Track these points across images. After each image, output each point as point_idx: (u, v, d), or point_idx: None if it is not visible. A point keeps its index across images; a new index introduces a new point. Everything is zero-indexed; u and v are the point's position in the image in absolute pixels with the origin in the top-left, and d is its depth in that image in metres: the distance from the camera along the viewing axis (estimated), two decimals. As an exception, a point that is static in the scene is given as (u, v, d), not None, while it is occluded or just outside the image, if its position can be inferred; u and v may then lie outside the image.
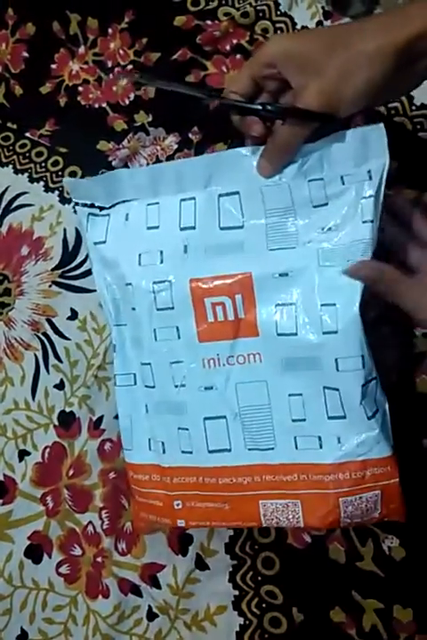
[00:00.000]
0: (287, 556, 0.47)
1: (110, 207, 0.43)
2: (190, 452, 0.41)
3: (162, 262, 0.40)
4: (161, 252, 0.40)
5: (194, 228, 0.40)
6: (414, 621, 0.43)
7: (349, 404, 0.37)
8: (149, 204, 0.41)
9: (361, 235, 0.36)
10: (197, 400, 0.40)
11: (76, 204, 0.44)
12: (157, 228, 0.41)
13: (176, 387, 0.40)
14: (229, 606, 0.47)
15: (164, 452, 0.42)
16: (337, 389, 0.37)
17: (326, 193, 0.37)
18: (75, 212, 0.58)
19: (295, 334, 0.37)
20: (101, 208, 0.43)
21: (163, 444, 0.42)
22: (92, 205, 0.44)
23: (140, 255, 0.41)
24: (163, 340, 0.40)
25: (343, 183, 0.37)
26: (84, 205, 0.44)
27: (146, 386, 0.42)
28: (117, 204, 0.43)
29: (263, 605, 0.46)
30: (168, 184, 0.40)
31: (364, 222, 0.36)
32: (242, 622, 0.47)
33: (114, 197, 0.43)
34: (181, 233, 0.40)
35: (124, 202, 0.42)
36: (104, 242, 0.43)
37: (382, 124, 0.36)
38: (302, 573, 0.46)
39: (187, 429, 0.40)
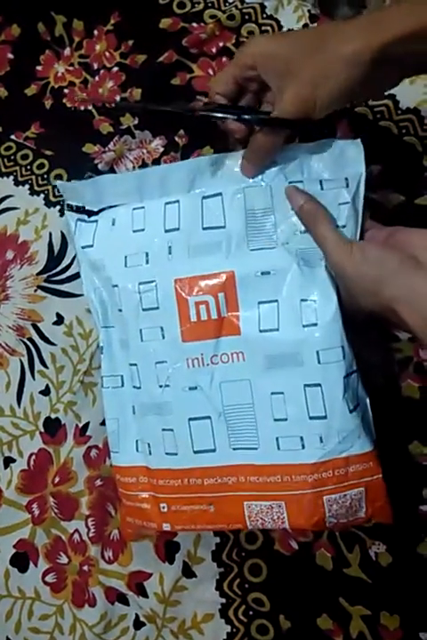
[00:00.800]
0: (274, 563, 0.46)
1: (98, 212, 0.44)
2: (175, 454, 0.40)
3: (147, 263, 0.41)
4: (146, 254, 0.41)
5: (178, 229, 0.40)
6: (401, 628, 0.43)
7: (330, 399, 0.37)
8: (134, 209, 0.42)
9: None
10: (181, 400, 0.40)
11: (69, 207, 0.45)
12: (142, 230, 0.42)
13: (161, 387, 0.40)
14: (216, 614, 0.47)
15: (150, 453, 0.42)
16: (319, 385, 0.37)
17: None
18: (61, 215, 0.57)
19: (277, 330, 0.38)
20: (90, 213, 0.44)
21: (149, 445, 0.42)
22: (82, 209, 0.44)
23: (126, 257, 0.41)
24: (148, 341, 0.41)
25: (322, 188, 0.38)
26: (76, 209, 0.45)
27: (133, 387, 0.42)
28: (104, 209, 0.43)
29: (250, 613, 0.46)
30: (153, 188, 0.41)
31: (338, 226, 0.37)
32: (229, 630, 0.46)
33: (101, 202, 0.43)
34: (166, 234, 0.41)
35: (110, 207, 0.43)
36: (91, 245, 0.44)
37: (359, 140, 0.38)
38: (289, 580, 0.46)
39: (172, 430, 0.40)
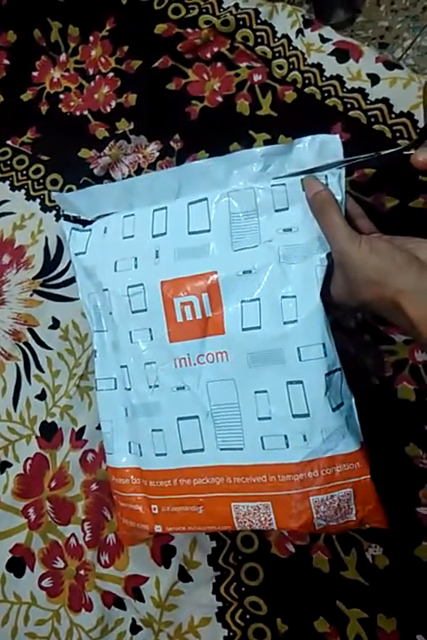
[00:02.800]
0: (271, 566, 0.46)
1: (92, 222, 0.45)
2: (165, 454, 0.41)
3: (136, 268, 0.42)
4: (135, 259, 0.42)
5: (165, 234, 0.41)
6: (398, 630, 0.43)
7: (313, 397, 0.37)
8: (125, 216, 0.43)
9: (318, 233, 0.37)
10: (170, 400, 0.40)
11: (66, 217, 0.46)
12: (132, 237, 0.43)
13: (150, 387, 0.41)
14: (213, 618, 0.47)
15: (141, 454, 0.42)
16: (301, 382, 0.37)
17: (288, 198, 0.39)
18: (57, 219, 0.57)
19: (259, 328, 0.38)
20: (85, 223, 0.46)
21: (139, 446, 0.42)
22: (78, 219, 0.46)
23: (116, 262, 0.42)
24: (137, 342, 0.41)
25: (303, 189, 0.38)
26: (73, 219, 0.46)
27: (125, 388, 0.43)
28: (98, 218, 0.45)
29: (247, 616, 0.46)
30: (142, 196, 0.43)
31: None
32: (226, 634, 0.46)
33: (95, 211, 0.45)
34: (154, 239, 0.42)
35: (103, 216, 0.45)
36: (84, 252, 0.45)
37: (337, 136, 0.38)
38: (285, 583, 0.46)
39: (161, 430, 0.41)
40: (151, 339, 0.41)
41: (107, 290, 0.42)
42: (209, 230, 0.40)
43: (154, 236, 0.42)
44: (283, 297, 0.38)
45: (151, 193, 0.42)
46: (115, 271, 0.42)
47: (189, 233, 0.40)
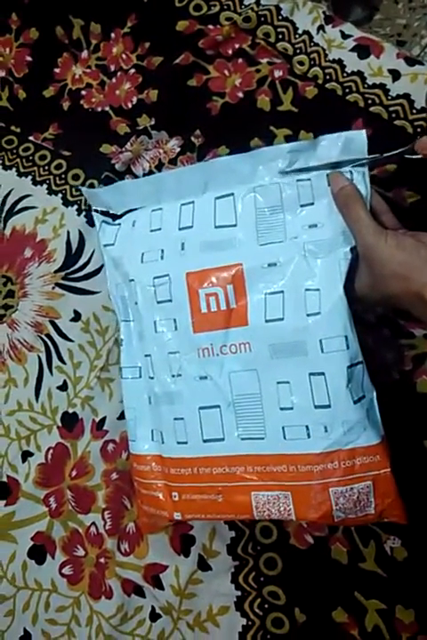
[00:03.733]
0: (290, 557, 0.47)
1: (121, 216, 0.46)
2: (186, 443, 0.41)
3: (162, 259, 0.43)
4: (162, 251, 0.43)
5: (191, 227, 0.42)
6: (416, 622, 0.43)
7: (334, 389, 0.37)
8: (153, 210, 0.45)
9: (342, 228, 0.38)
10: (192, 389, 0.41)
11: (95, 211, 0.47)
12: (159, 229, 0.44)
13: (173, 377, 0.42)
14: (231, 607, 0.47)
15: (163, 442, 0.43)
16: (323, 374, 0.37)
17: (313, 193, 0.39)
18: (78, 214, 0.58)
19: (282, 319, 0.38)
20: (114, 217, 0.47)
21: (162, 434, 0.43)
22: (107, 213, 0.47)
23: (142, 254, 0.44)
24: (162, 332, 0.42)
25: (329, 184, 0.39)
26: (102, 213, 0.47)
27: (149, 377, 0.44)
28: (127, 213, 0.46)
29: (266, 606, 0.47)
30: (169, 192, 0.43)
31: None
32: (245, 623, 0.47)
33: (124, 205, 0.46)
34: (180, 232, 0.42)
35: (132, 210, 0.46)
36: (113, 244, 0.46)
37: (363, 131, 0.38)
38: (304, 574, 0.46)
39: (182, 419, 0.41)
40: (175, 329, 0.41)
41: (133, 280, 0.43)
42: (235, 225, 0.41)
43: (180, 229, 0.42)
44: (307, 290, 0.38)
45: (179, 188, 0.43)
46: (141, 262, 0.43)
47: (216, 227, 0.41)
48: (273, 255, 0.39)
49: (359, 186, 0.38)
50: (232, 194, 0.41)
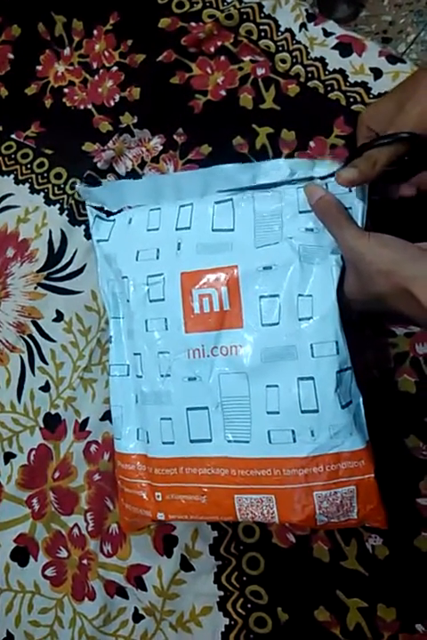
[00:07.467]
0: (272, 556, 0.47)
1: (116, 213, 0.46)
2: (172, 443, 0.41)
3: (158, 258, 0.43)
4: (158, 250, 0.43)
5: (189, 228, 0.42)
6: (398, 620, 0.44)
7: (323, 393, 0.37)
8: (151, 210, 0.45)
9: None
10: (181, 390, 0.41)
11: (90, 205, 0.47)
12: (156, 229, 0.44)
13: (162, 376, 0.42)
14: (214, 607, 0.47)
15: (148, 442, 0.43)
16: (312, 378, 0.37)
17: None
18: (60, 213, 0.58)
19: (277, 324, 0.38)
20: (109, 213, 0.47)
21: (147, 433, 0.43)
22: (101, 209, 0.47)
23: (138, 252, 0.43)
24: (152, 331, 0.42)
25: (327, 188, 0.39)
26: (95, 208, 0.47)
27: (137, 376, 0.43)
28: (123, 209, 0.46)
29: (248, 605, 0.47)
30: (169, 193, 0.43)
31: (347, 209, 0.38)
32: (227, 623, 0.47)
33: (120, 205, 0.46)
34: (177, 232, 0.42)
35: (129, 208, 0.46)
36: (106, 240, 0.46)
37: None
38: (286, 573, 0.46)
39: (170, 419, 0.41)
40: (166, 328, 0.41)
41: (126, 277, 0.43)
42: (233, 229, 0.41)
43: (177, 229, 0.42)
44: (299, 295, 0.38)
45: (178, 190, 0.43)
46: (136, 260, 0.43)
47: (213, 230, 0.41)
48: (269, 258, 0.39)
49: (358, 199, 0.38)
50: (231, 199, 0.42)
